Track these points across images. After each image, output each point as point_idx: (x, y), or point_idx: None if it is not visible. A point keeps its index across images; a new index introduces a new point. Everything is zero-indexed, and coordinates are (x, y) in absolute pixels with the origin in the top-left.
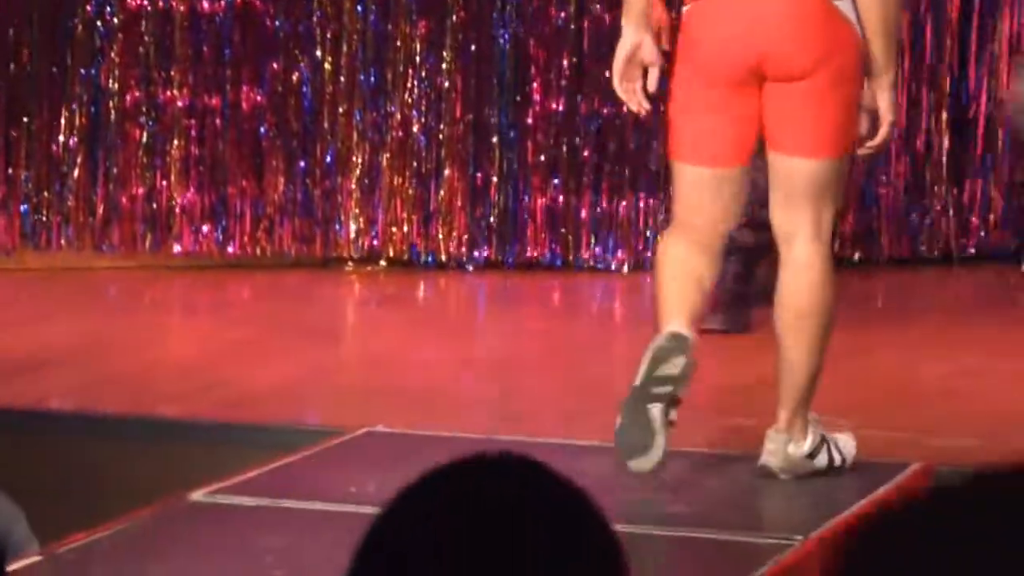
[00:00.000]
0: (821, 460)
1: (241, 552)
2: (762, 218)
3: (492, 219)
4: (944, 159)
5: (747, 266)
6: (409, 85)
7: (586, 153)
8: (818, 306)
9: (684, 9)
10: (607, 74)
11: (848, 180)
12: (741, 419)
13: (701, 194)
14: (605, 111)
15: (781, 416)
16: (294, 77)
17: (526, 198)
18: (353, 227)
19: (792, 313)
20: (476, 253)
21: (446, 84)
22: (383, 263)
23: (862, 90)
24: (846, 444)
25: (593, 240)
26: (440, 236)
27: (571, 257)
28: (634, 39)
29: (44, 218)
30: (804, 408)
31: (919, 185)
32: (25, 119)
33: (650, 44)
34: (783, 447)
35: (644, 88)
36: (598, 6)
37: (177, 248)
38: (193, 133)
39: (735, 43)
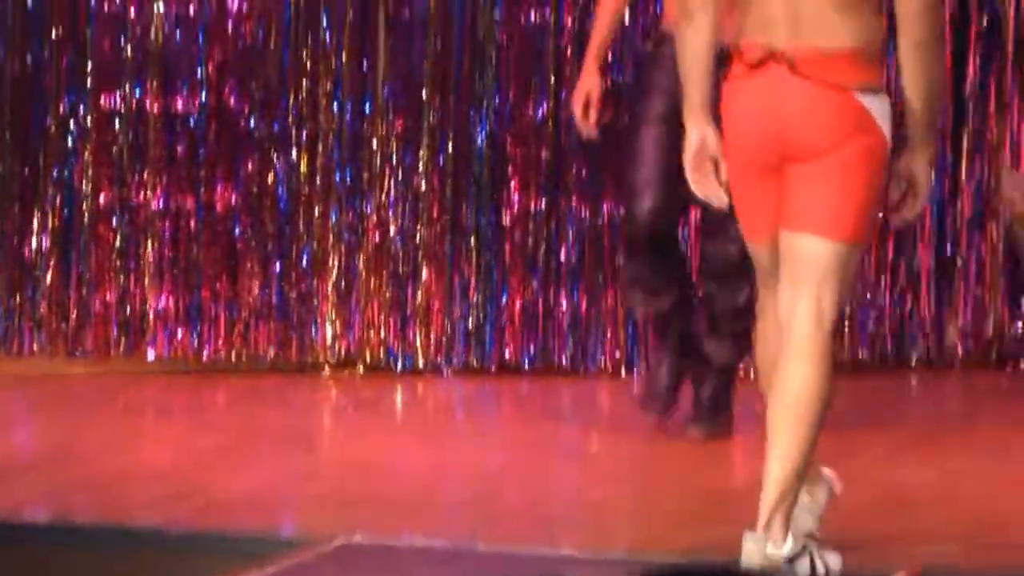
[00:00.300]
0: (803, 567)
1: None
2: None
3: (470, 321)
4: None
5: (727, 374)
6: (385, 185)
7: (564, 253)
8: (809, 399)
9: (726, 86)
10: (583, 172)
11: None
12: (725, 527)
13: (763, 271)
14: (583, 210)
15: (762, 513)
16: (269, 177)
17: (504, 299)
18: (329, 331)
19: (781, 402)
20: (454, 356)
21: (423, 184)
22: (360, 367)
23: (881, 183)
24: (832, 558)
25: (572, 341)
26: (418, 340)
27: (551, 359)
28: (699, 134)
29: (16, 323)
30: (785, 508)
31: (912, 287)
32: None
33: (714, 137)
34: (761, 547)
35: (717, 179)
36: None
37: (151, 353)
38: (167, 235)
39: (757, 124)
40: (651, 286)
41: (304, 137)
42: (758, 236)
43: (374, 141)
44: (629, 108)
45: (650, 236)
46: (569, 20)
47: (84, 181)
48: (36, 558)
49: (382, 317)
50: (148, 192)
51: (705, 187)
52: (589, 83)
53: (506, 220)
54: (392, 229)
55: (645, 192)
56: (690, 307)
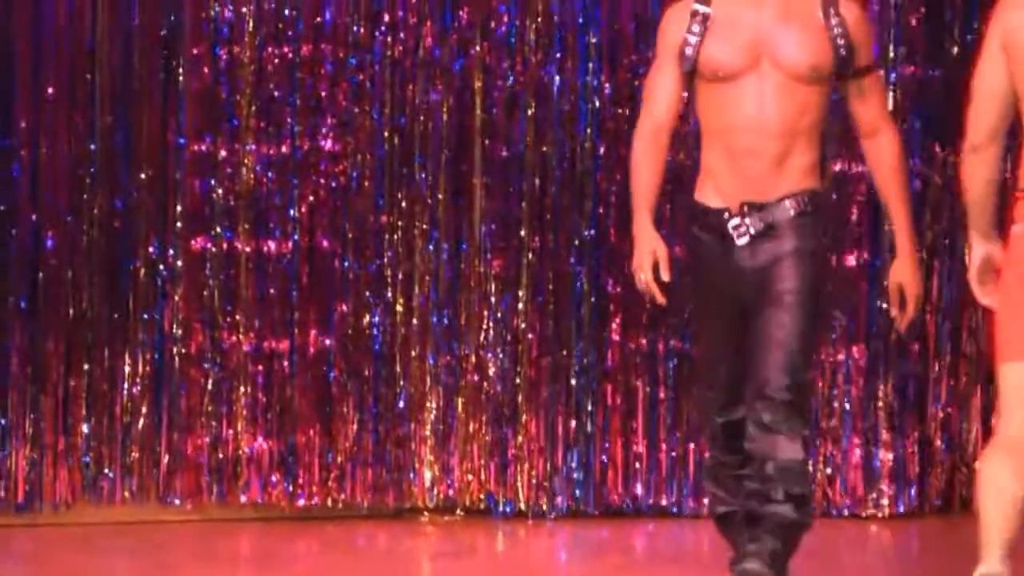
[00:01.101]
0: None
1: None
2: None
3: (573, 464)
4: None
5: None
6: (484, 326)
7: (663, 392)
8: None
9: (1014, 228)
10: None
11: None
12: None
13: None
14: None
15: None
16: (364, 319)
17: (607, 442)
18: (428, 475)
19: None
20: (556, 501)
21: (522, 324)
22: (460, 512)
23: None
24: None
25: (676, 485)
26: (519, 484)
27: (656, 503)
28: (984, 251)
29: (106, 470)
30: None
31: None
32: (86, 367)
33: (997, 252)
34: None
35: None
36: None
37: (244, 499)
38: (260, 379)
39: None
40: (730, 486)
41: (400, 278)
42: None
43: (471, 281)
44: (686, 287)
45: (725, 428)
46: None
47: (174, 324)
48: None
49: (482, 461)
50: (240, 335)
51: (987, 295)
52: (650, 243)
53: (608, 361)
54: (491, 371)
55: (715, 391)
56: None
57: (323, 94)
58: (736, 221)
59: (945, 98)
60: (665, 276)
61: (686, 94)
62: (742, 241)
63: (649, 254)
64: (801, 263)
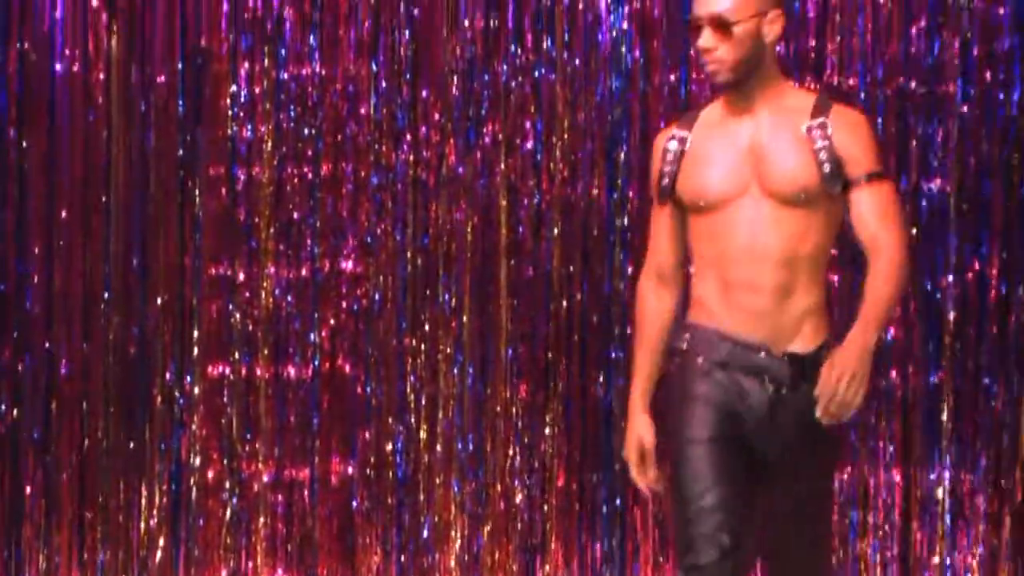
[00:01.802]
0: None
1: None
2: None
3: None
4: None
5: None
6: (510, 452)
7: None
8: None
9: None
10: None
11: None
12: None
13: None
14: None
15: None
16: (387, 446)
17: (636, 571)
18: None
19: None
20: None
21: (549, 450)
22: None
23: None
24: None
25: None
26: None
27: None
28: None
29: None
30: None
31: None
32: (100, 498)
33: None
34: None
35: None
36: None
37: None
38: (280, 509)
39: None
40: None
41: (423, 402)
42: None
43: (497, 406)
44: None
45: None
46: None
47: (192, 453)
48: None
49: None
50: (259, 464)
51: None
52: (640, 430)
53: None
54: (518, 498)
55: (696, 531)
56: None
57: (344, 214)
58: (769, 362)
59: None
60: (651, 473)
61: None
62: (769, 388)
63: (635, 449)
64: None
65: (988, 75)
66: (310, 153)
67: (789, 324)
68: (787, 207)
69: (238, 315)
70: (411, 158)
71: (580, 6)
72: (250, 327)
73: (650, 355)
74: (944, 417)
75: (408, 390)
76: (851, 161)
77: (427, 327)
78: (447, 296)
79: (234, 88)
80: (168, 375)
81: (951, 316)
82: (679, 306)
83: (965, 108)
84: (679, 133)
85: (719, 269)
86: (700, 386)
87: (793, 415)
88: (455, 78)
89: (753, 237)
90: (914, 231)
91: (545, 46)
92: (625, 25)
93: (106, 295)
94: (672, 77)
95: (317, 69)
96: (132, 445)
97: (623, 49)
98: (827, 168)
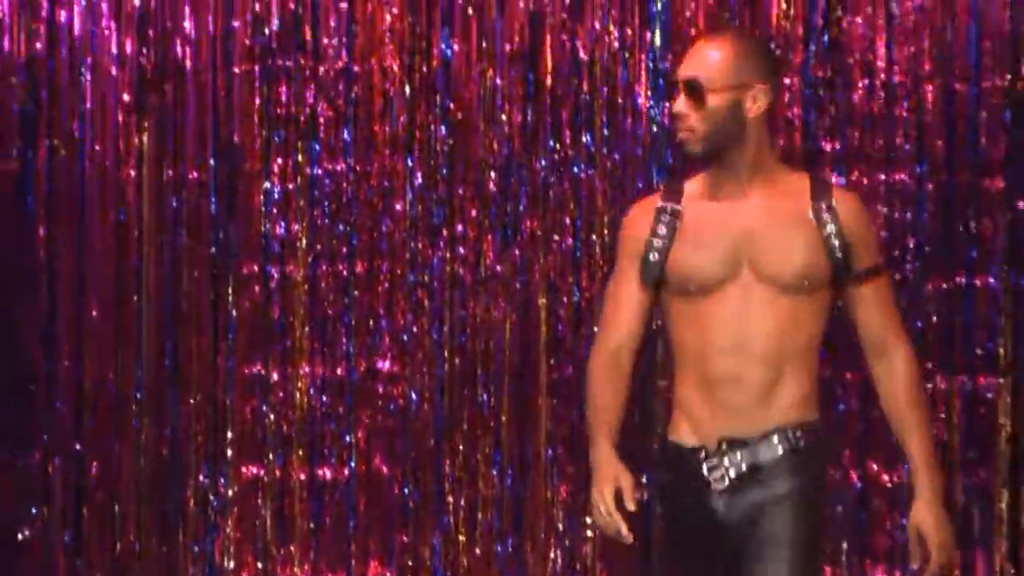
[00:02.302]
0: None
1: None
2: None
3: None
4: None
5: None
6: (551, 555)
7: None
8: None
9: None
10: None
11: None
12: None
13: None
14: None
15: None
16: (425, 551)
17: None
18: None
19: None
20: None
21: (590, 554)
22: None
23: None
24: None
25: None
26: None
27: None
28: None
29: None
30: None
31: None
32: None
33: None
34: None
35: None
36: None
37: None
38: None
39: None
40: None
41: (462, 504)
42: None
43: (537, 508)
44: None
45: None
46: None
47: (226, 557)
48: None
49: None
50: (295, 567)
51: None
52: (610, 469)
53: None
54: None
55: None
56: None
57: (380, 312)
58: (713, 462)
59: None
60: (631, 506)
61: (653, 307)
62: (720, 486)
63: (610, 482)
64: (793, 511)
65: None
66: (344, 250)
67: (772, 419)
68: (782, 295)
69: (272, 415)
70: (448, 255)
71: (619, 100)
72: (284, 428)
73: (609, 421)
74: None
75: (446, 491)
76: (859, 250)
77: (465, 427)
78: (485, 396)
79: (267, 184)
80: (201, 476)
81: None
82: (631, 387)
83: None
84: (669, 206)
85: (701, 361)
86: (681, 515)
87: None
88: (492, 173)
89: (742, 328)
90: None
91: (584, 141)
92: (665, 120)
93: (137, 395)
94: None
95: (351, 164)
96: (165, 548)
97: (662, 144)
98: (839, 254)
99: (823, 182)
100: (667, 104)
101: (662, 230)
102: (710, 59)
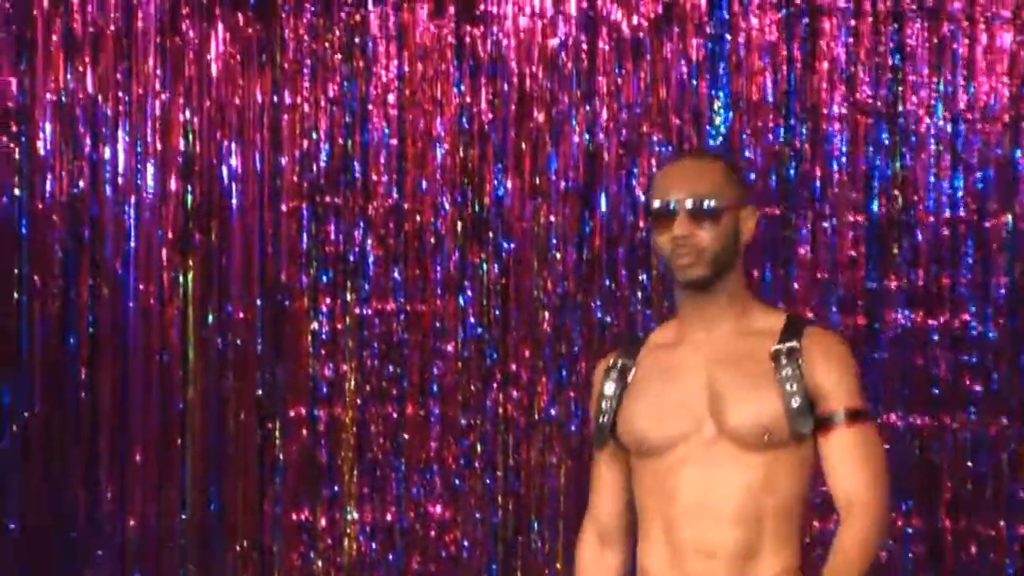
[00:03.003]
0: None
1: None
2: None
3: None
4: None
5: None
6: None
7: None
8: None
9: None
10: None
11: None
12: None
13: None
14: None
15: None
16: None
17: None
18: None
19: None
20: None
21: None
22: None
23: None
24: None
25: None
26: None
27: None
28: None
29: None
30: None
31: None
32: None
33: None
34: None
35: None
36: None
37: None
38: None
39: None
40: None
41: None
42: None
43: None
44: None
45: None
46: None
47: None
48: None
49: None
50: None
51: None
52: None
53: None
54: None
55: None
56: None
57: (431, 456)
58: None
59: None
60: None
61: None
62: None
63: None
64: None
65: None
66: (394, 392)
67: None
68: (749, 451)
69: (320, 563)
70: (500, 397)
71: None
72: (333, 575)
73: None
74: None
75: None
76: (825, 395)
77: (519, 574)
78: (539, 543)
79: (315, 325)
80: None
81: None
82: (627, 564)
83: None
84: (620, 361)
85: (665, 529)
86: None
87: None
88: (546, 313)
89: (706, 488)
90: None
91: (641, 279)
92: None
93: (182, 541)
94: None
95: (401, 304)
96: None
97: None
98: (795, 403)
99: (798, 321)
100: (646, 234)
101: (609, 388)
102: (710, 177)
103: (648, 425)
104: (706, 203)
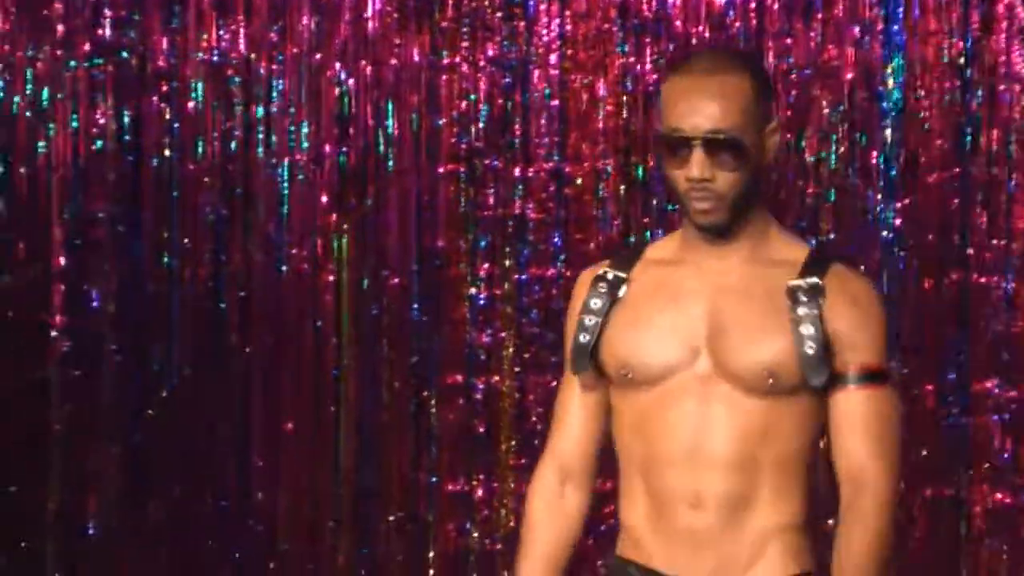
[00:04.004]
0: None
1: None
2: None
3: None
4: None
5: None
6: None
7: None
8: None
9: None
10: None
11: None
12: None
13: None
14: None
15: None
16: None
17: None
18: None
19: None
20: None
21: None
22: None
23: None
24: None
25: None
26: None
27: None
28: None
29: None
30: None
31: None
32: None
33: None
34: None
35: None
36: None
37: None
38: None
39: None
40: None
41: None
42: None
43: None
44: None
45: None
46: None
47: None
48: None
49: None
50: None
51: None
52: None
53: None
54: None
55: None
56: None
57: None
58: None
59: None
60: None
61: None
62: None
63: None
64: None
65: None
66: (553, 360)
67: (744, 552)
68: (748, 395)
69: (476, 534)
70: None
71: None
72: (488, 547)
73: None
74: None
75: None
76: (845, 347)
77: None
78: None
79: (472, 291)
80: None
81: None
82: (586, 513)
83: None
84: (612, 272)
85: (648, 477)
86: None
87: None
88: None
89: (696, 431)
90: None
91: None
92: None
93: (334, 514)
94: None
95: (561, 271)
96: None
97: None
98: (810, 349)
99: (824, 257)
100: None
101: (596, 302)
102: (736, 101)
103: (636, 350)
104: (730, 138)
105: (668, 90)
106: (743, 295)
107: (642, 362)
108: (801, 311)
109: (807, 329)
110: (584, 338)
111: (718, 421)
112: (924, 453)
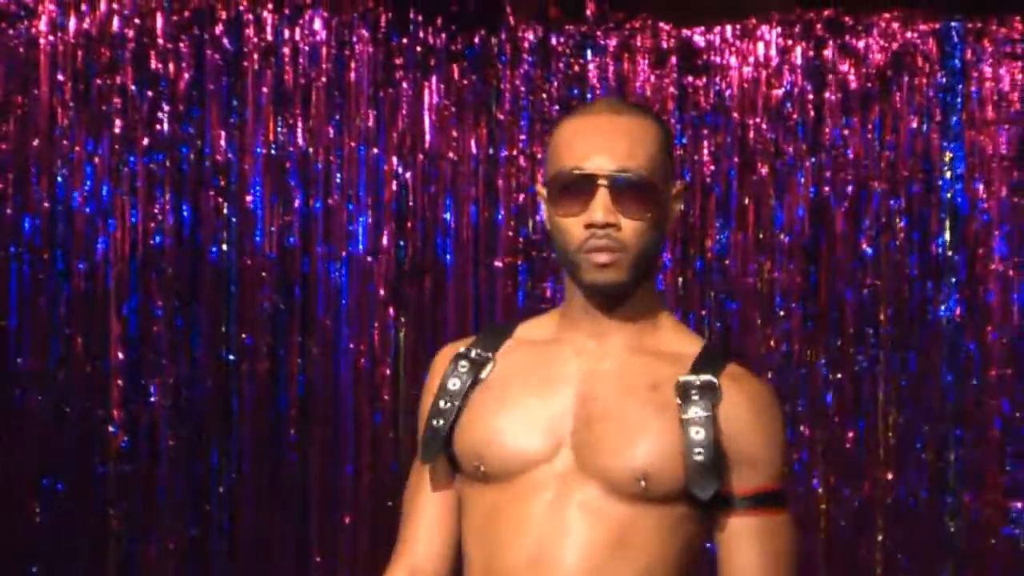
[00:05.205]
0: None
1: None
2: None
3: None
4: None
5: None
6: None
7: None
8: None
9: None
10: None
11: None
12: None
13: None
14: None
15: None
16: None
17: None
18: None
19: None
20: None
21: None
22: None
23: None
24: None
25: None
26: None
27: None
28: None
29: None
30: None
31: None
32: None
33: None
34: None
35: None
36: None
37: None
38: None
39: None
40: None
41: None
42: None
43: None
44: None
45: None
46: None
47: None
48: None
49: None
50: None
51: None
52: None
53: None
54: None
55: None
56: None
57: None
58: None
59: None
60: None
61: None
62: None
63: None
64: None
65: None
66: None
67: None
68: (612, 498)
69: None
70: None
71: (905, 293)
72: None
73: None
74: None
75: None
76: (742, 462)
77: None
78: None
79: None
80: None
81: None
82: None
83: None
84: (474, 352)
85: None
86: None
87: None
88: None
89: (543, 538)
90: None
91: (867, 333)
92: None
93: None
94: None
95: None
96: None
97: (956, 339)
98: (699, 456)
99: (718, 352)
100: (540, 213)
101: (454, 383)
102: (644, 143)
103: (492, 438)
104: (639, 178)
105: (562, 133)
106: (622, 384)
107: (496, 453)
108: (692, 412)
109: (698, 433)
110: (438, 421)
111: (570, 527)
112: None
